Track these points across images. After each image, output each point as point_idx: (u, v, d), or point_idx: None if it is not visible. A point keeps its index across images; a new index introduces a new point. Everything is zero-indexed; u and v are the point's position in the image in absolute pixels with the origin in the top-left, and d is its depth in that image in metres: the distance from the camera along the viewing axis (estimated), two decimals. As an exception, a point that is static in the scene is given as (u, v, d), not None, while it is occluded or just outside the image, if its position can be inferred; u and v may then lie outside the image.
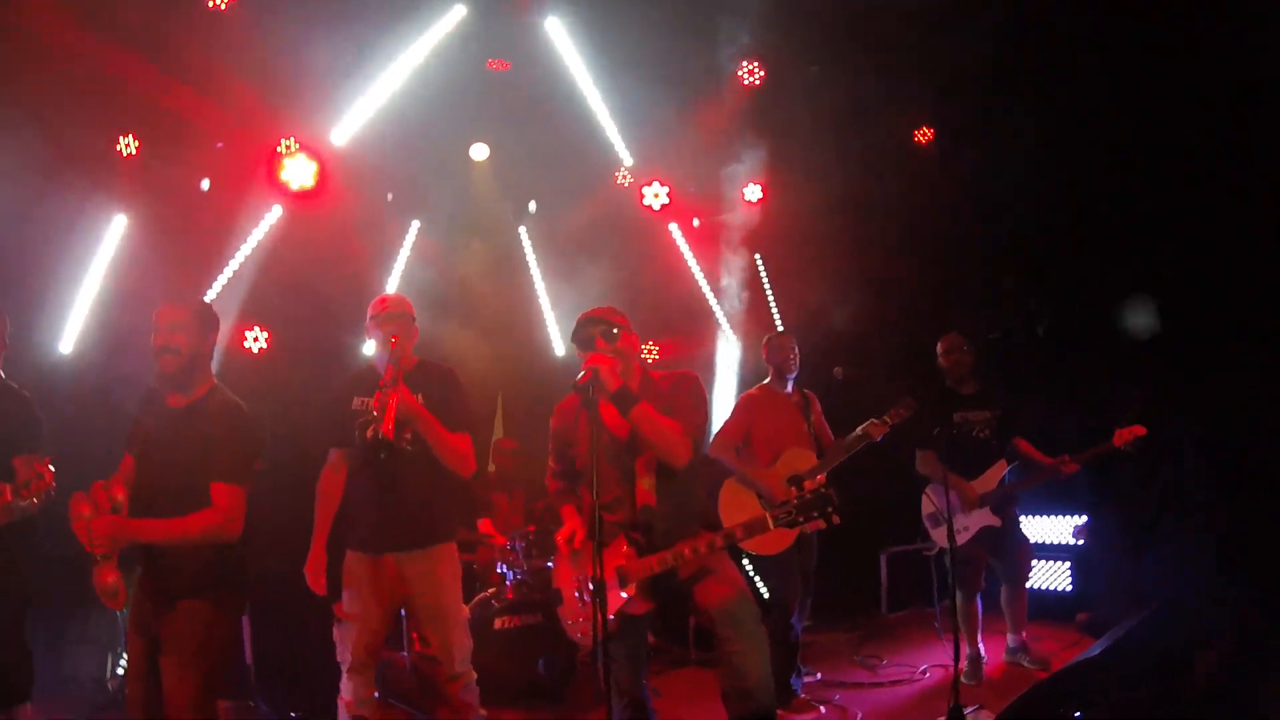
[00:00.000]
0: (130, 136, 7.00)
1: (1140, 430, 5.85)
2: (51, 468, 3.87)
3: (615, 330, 4.09)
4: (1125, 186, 7.58)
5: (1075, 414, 7.24)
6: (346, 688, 4.51)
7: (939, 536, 6.22)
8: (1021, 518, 6.61)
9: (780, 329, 9.10)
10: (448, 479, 4.56)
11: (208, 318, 4.13)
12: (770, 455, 5.96)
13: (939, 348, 6.54)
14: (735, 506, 5.81)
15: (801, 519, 3.87)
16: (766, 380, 6.27)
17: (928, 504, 6.27)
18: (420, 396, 4.44)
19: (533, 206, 9.13)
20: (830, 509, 3.82)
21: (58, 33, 6.24)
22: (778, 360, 6.21)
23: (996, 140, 8.24)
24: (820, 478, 5.66)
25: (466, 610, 4.76)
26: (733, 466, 5.87)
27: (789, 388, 6.21)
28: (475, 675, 4.63)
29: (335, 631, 4.57)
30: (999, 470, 6.27)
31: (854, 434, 5.90)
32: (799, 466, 5.87)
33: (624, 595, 4.02)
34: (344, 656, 4.51)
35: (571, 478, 4.42)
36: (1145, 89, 7.37)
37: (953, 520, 6.11)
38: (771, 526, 3.92)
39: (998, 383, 6.64)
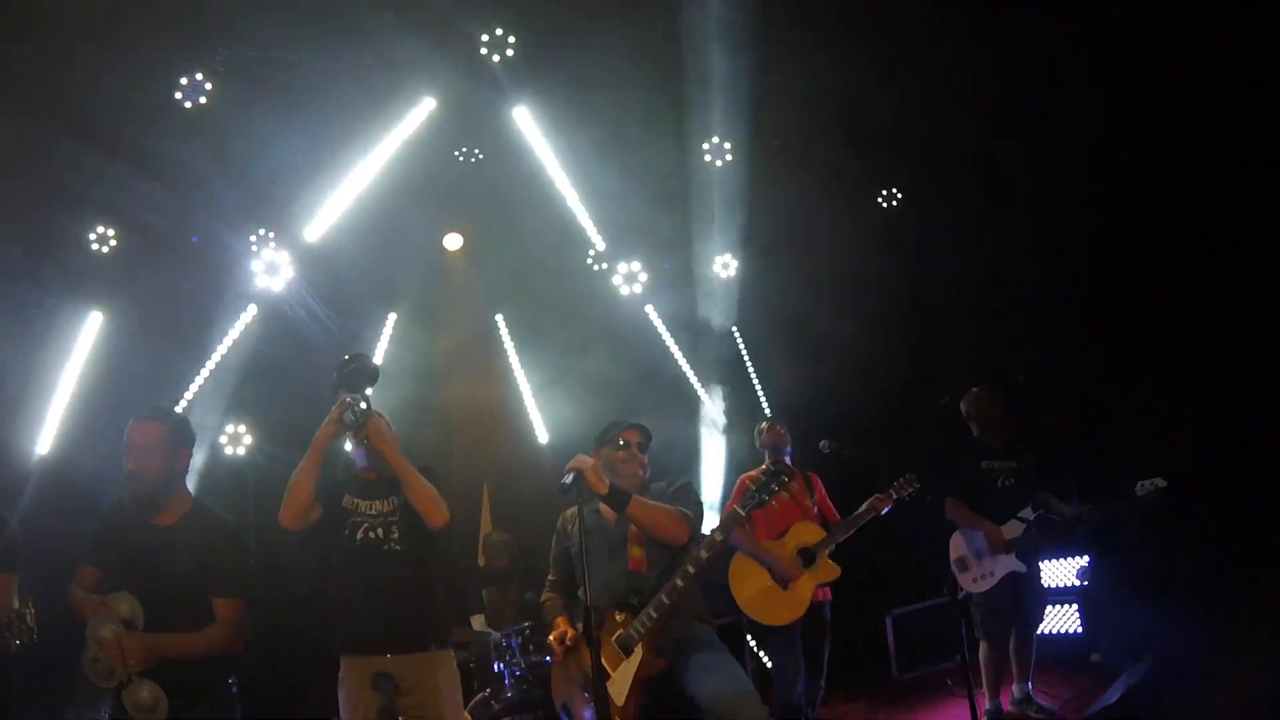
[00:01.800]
0: (107, 231, 6.98)
1: (1161, 482, 5.87)
2: (32, 608, 3.73)
3: (621, 441, 4.31)
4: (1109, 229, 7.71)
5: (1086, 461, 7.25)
6: None
7: (965, 581, 6.20)
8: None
9: (767, 411, 9.13)
10: (436, 577, 4.49)
11: (181, 434, 4.12)
12: (773, 534, 5.99)
13: (968, 399, 6.56)
14: (745, 580, 5.84)
15: (764, 496, 4.10)
16: (764, 464, 6.16)
17: (956, 548, 6.28)
18: (391, 500, 4.36)
19: (500, 320, 9.11)
20: (783, 475, 4.16)
21: (32, 128, 6.23)
22: (771, 442, 6.28)
23: (964, 199, 8.40)
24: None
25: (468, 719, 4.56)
26: (740, 542, 5.81)
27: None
28: None
29: None
30: (1019, 524, 6.22)
31: (859, 510, 6.02)
32: (807, 539, 5.92)
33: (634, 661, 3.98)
34: None
35: (568, 589, 4.48)
36: (1127, 139, 7.52)
37: (979, 566, 6.20)
38: (743, 514, 4.16)
39: (1024, 434, 6.63)
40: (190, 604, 3.93)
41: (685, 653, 4.01)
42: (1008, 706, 6.38)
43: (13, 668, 4.16)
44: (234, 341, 7.43)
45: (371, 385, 4.19)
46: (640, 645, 3.96)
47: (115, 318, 7.04)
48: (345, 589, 4.39)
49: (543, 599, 4.61)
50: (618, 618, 4.04)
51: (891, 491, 6.00)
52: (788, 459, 6.21)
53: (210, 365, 7.32)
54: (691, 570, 3.98)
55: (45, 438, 6.77)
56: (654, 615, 3.94)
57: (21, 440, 6.64)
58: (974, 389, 6.59)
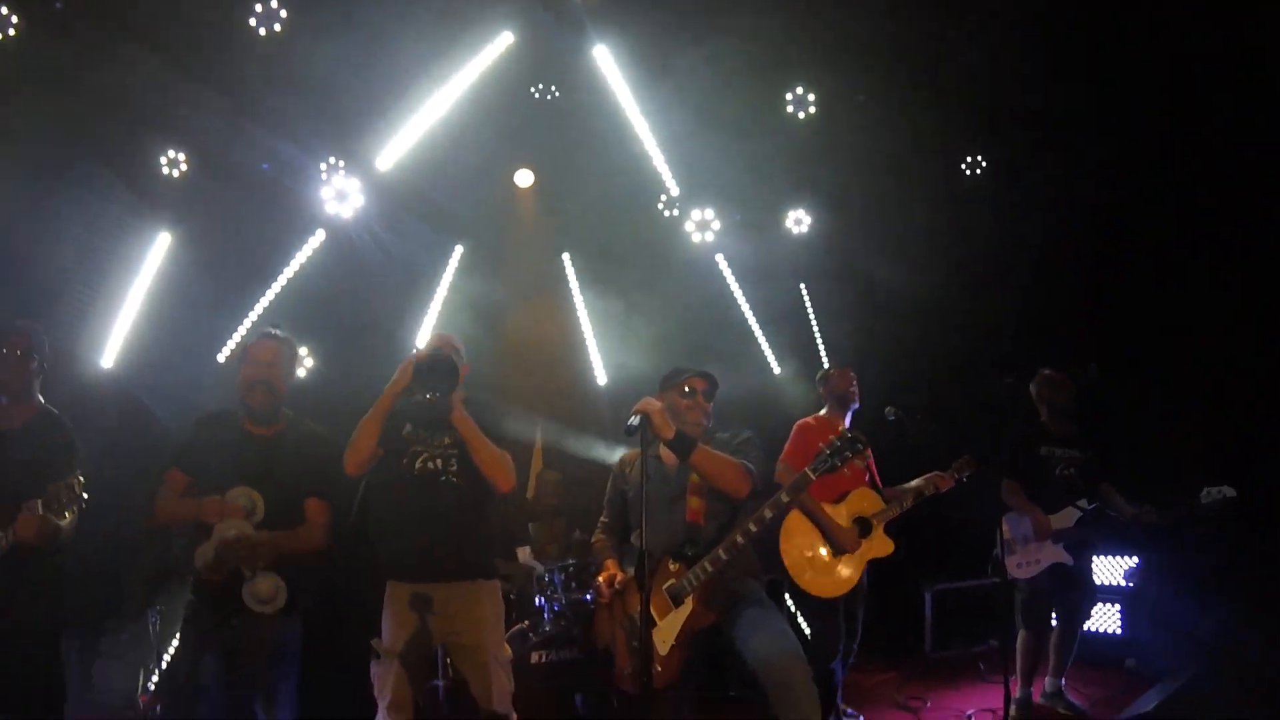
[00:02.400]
0: (179, 155, 7.07)
1: (1230, 491, 5.75)
2: (82, 478, 4.02)
3: (687, 388, 4.28)
4: (1189, 223, 7.36)
5: (1153, 462, 7.04)
6: None
7: (1010, 565, 6.12)
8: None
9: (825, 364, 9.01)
10: (489, 511, 4.54)
11: (294, 353, 4.57)
12: (826, 492, 5.79)
13: (1038, 380, 6.45)
14: (797, 540, 5.65)
15: (839, 462, 3.98)
16: (823, 411, 6.16)
17: (1005, 531, 6.18)
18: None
19: (566, 260, 9.06)
20: (859, 444, 3.99)
21: (109, 48, 6.32)
22: (840, 392, 6.12)
23: (1050, 173, 8.06)
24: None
25: (509, 652, 4.66)
26: (802, 502, 5.63)
27: (848, 421, 6.08)
28: (515, 717, 4.51)
29: (373, 667, 4.46)
30: (1074, 511, 6.14)
31: (916, 484, 5.90)
32: (865, 508, 5.79)
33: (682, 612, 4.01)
34: (382, 693, 4.38)
35: (619, 532, 4.52)
36: (1207, 126, 7.17)
37: (1025, 552, 6.16)
38: (812, 477, 4.01)
39: (1089, 425, 6.49)
40: (290, 507, 4.31)
41: (736, 607, 4.04)
42: (1038, 698, 6.33)
43: (67, 550, 4.38)
44: (300, 267, 7.53)
45: (452, 388, 4.24)
46: (691, 598, 4.00)
47: (184, 239, 7.16)
48: (398, 515, 4.45)
49: (593, 539, 4.66)
50: (671, 567, 4.07)
51: (953, 472, 5.88)
52: (849, 418, 6.09)
53: (275, 289, 7.45)
54: (753, 529, 4.00)
55: (110, 352, 6.94)
56: (709, 569, 3.97)
57: (88, 352, 6.83)
58: (1047, 372, 6.47)
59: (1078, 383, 6.42)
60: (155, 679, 6.38)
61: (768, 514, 4.00)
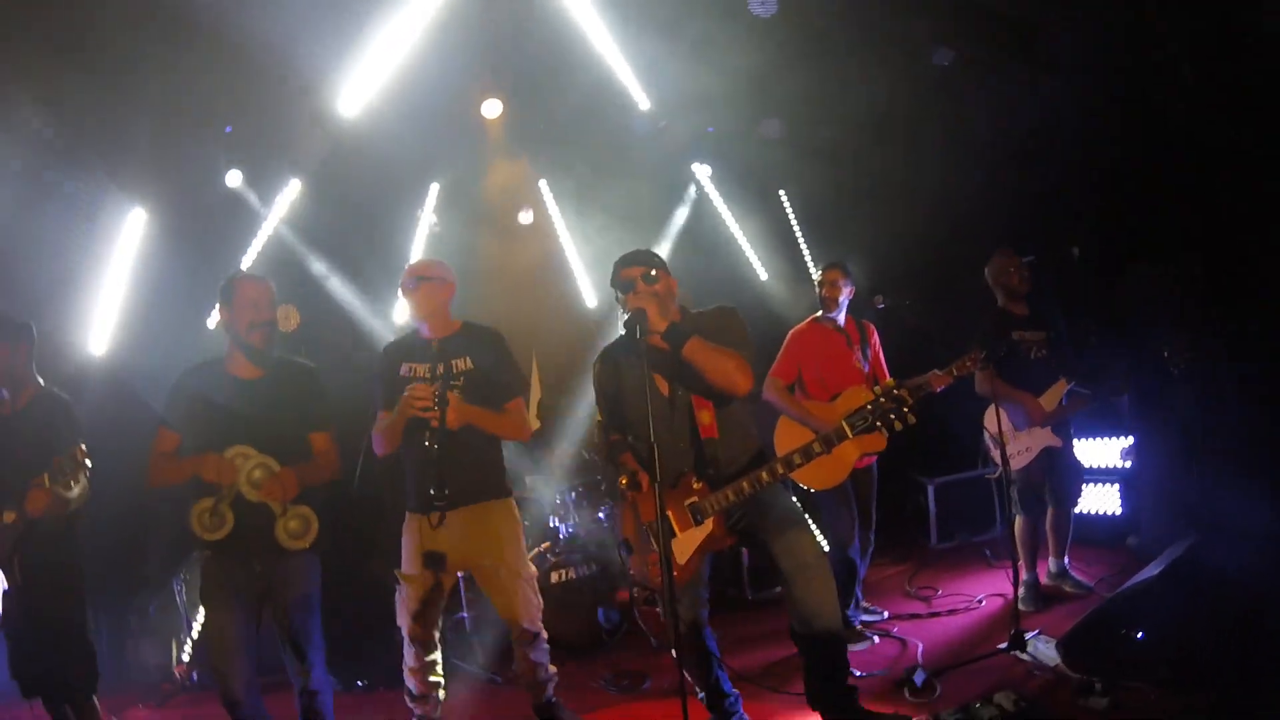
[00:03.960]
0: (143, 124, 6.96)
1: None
2: (84, 447, 4.04)
3: (654, 272, 4.10)
4: (1178, 115, 7.24)
5: (1122, 343, 7.08)
6: (409, 654, 4.55)
7: (999, 456, 6.06)
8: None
9: (813, 270, 9.05)
10: (496, 441, 4.65)
11: (275, 291, 4.49)
12: (823, 394, 5.85)
13: (994, 266, 6.37)
14: (790, 444, 5.38)
15: (879, 423, 3.87)
16: (817, 315, 6.11)
17: (990, 423, 6.14)
18: (467, 359, 4.52)
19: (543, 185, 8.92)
20: (905, 409, 3.82)
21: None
22: (825, 294, 6.05)
23: (1032, 58, 7.96)
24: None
25: (533, 568, 4.73)
26: (786, 407, 5.76)
27: (840, 321, 6.06)
28: (545, 634, 4.65)
29: (397, 597, 4.59)
30: (1058, 390, 6.18)
31: (915, 381, 5.81)
32: (856, 406, 5.74)
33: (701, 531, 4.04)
34: (404, 621, 4.54)
35: (623, 427, 4.39)
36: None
37: (1015, 440, 6.14)
38: (850, 435, 3.96)
39: (1050, 303, 6.48)
40: (292, 445, 4.33)
41: (756, 510, 4.05)
42: (1043, 578, 6.45)
43: (78, 526, 4.52)
44: (279, 220, 7.47)
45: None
46: (711, 520, 4.03)
47: (157, 212, 7.09)
48: (408, 449, 4.54)
49: (599, 440, 4.56)
50: (694, 484, 4.05)
51: (953, 369, 5.83)
52: (841, 317, 6.04)
53: (257, 246, 7.41)
54: (781, 470, 3.97)
55: (99, 338, 6.95)
56: (731, 498, 3.97)
57: (77, 340, 6.84)
58: (998, 254, 6.38)
59: (1061, 265, 6.43)
60: (188, 648, 6.53)
61: (797, 459, 3.98)
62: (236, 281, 4.39)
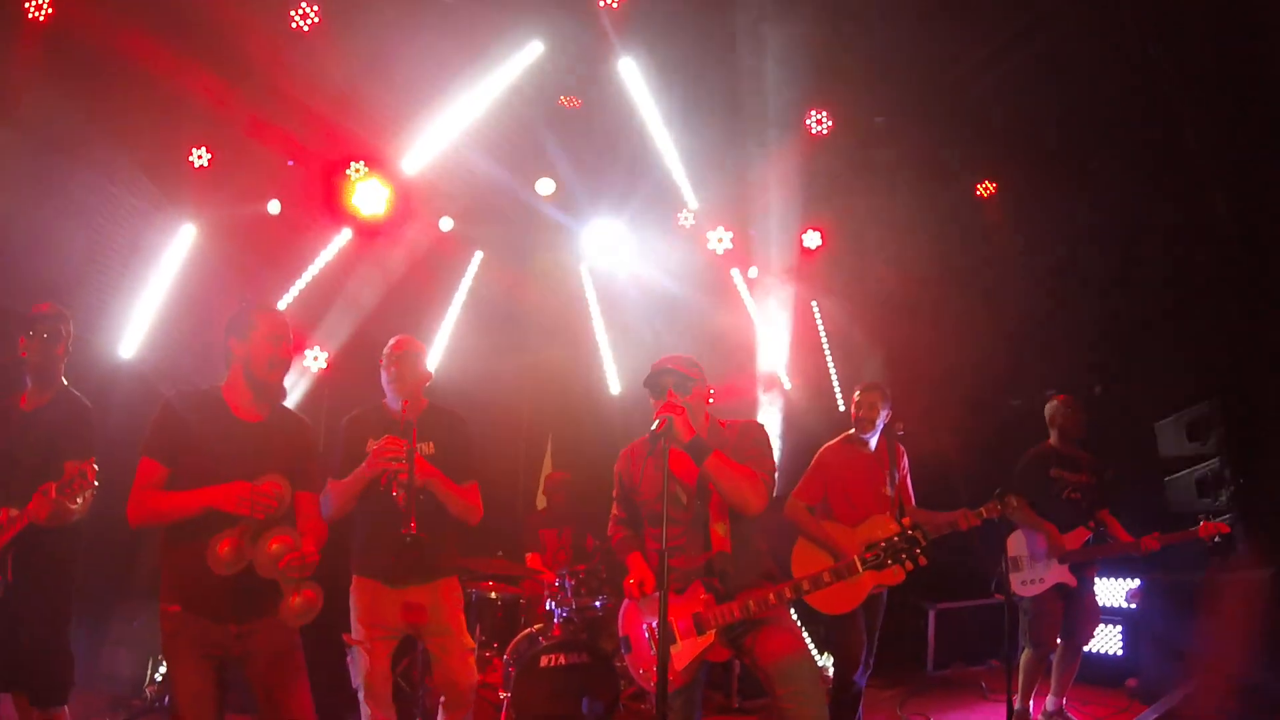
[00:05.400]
0: (203, 149, 7.14)
1: (1225, 528, 5.90)
2: (95, 467, 4.00)
3: (690, 382, 4.17)
4: (1205, 254, 7.41)
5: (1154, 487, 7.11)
6: (365, 712, 4.57)
7: (1015, 583, 6.18)
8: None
9: (837, 387, 9.14)
10: (454, 521, 4.68)
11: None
12: (850, 514, 5.76)
13: (1054, 407, 6.52)
14: (809, 566, 5.53)
15: (891, 561, 3.92)
16: (850, 432, 6.02)
17: (1011, 548, 6.23)
18: (430, 444, 4.61)
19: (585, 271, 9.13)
20: (918, 550, 3.89)
21: (136, 43, 6.37)
22: (862, 414, 5.93)
23: (1062, 197, 8.16)
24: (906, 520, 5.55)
25: (472, 642, 4.82)
26: (808, 529, 5.68)
27: (873, 444, 5.97)
28: (470, 712, 4.73)
29: (348, 658, 4.60)
30: (1082, 534, 6.21)
31: (943, 520, 5.78)
32: (879, 536, 5.60)
33: (702, 642, 4.03)
34: (358, 682, 4.58)
35: (635, 524, 4.48)
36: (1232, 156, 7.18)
37: (1030, 569, 6.20)
38: (860, 570, 4.00)
39: (1095, 451, 6.56)
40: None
41: (755, 628, 4.04)
42: (1036, 716, 6.39)
43: (80, 534, 4.51)
44: (325, 265, 7.61)
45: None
46: (713, 632, 4.02)
47: (207, 231, 7.26)
48: (367, 523, 4.62)
49: (610, 532, 4.60)
50: (701, 595, 4.06)
51: (982, 511, 5.70)
52: (873, 440, 5.95)
53: (300, 285, 7.53)
54: (789, 595, 3.98)
55: (130, 342, 7.05)
56: (736, 615, 3.98)
57: (108, 343, 6.94)
58: (1060, 397, 6.56)
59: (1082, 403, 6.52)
60: (163, 669, 6.44)
61: (805, 586, 4.01)
62: (257, 313, 3.93)
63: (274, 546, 3.64)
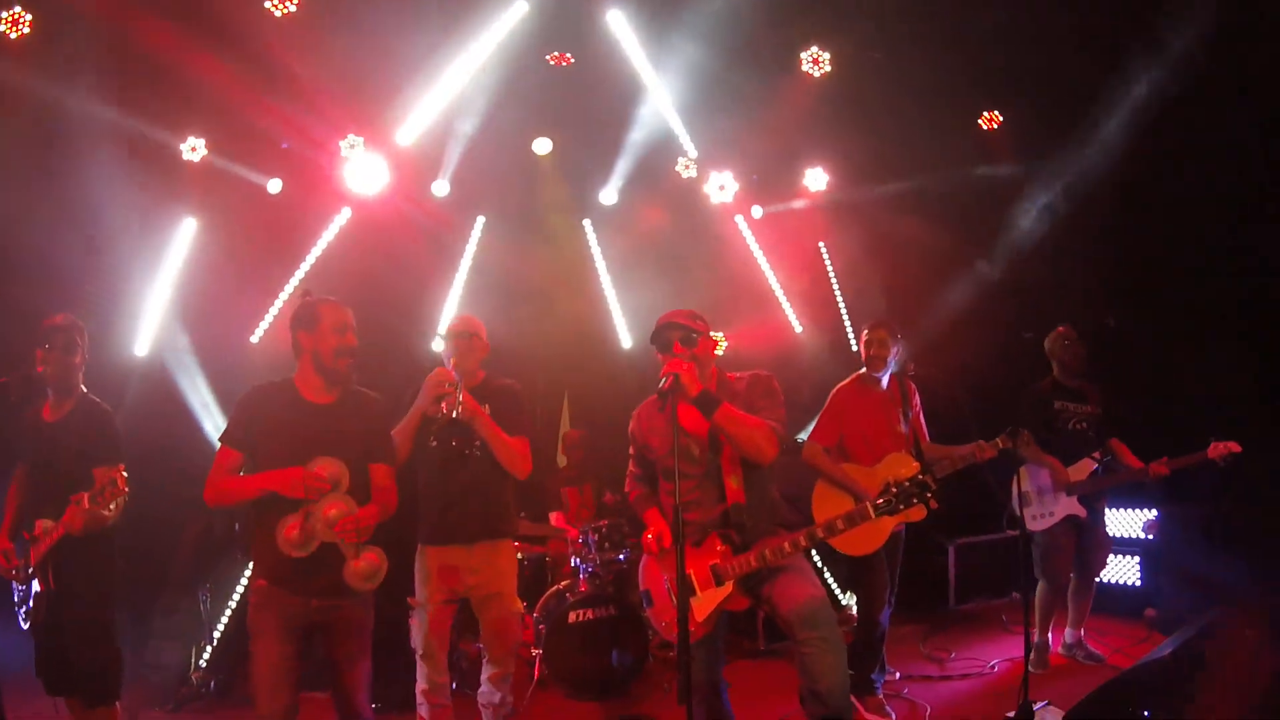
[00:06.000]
0: (201, 140, 7.17)
1: (1236, 447, 5.83)
2: (125, 473, 4.14)
3: (694, 335, 4.18)
4: (1221, 182, 7.27)
5: (1168, 414, 7.08)
6: (421, 675, 4.70)
7: (1026, 517, 6.13)
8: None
9: (849, 326, 9.14)
10: (508, 481, 4.81)
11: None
12: (867, 454, 5.75)
13: (1053, 340, 6.51)
14: (829, 508, 5.48)
15: (903, 506, 3.93)
16: (861, 371, 5.97)
17: (1020, 483, 6.12)
18: (487, 408, 4.65)
19: (588, 225, 9.15)
20: (929, 494, 3.90)
21: (129, 23, 6.38)
22: (872, 352, 5.88)
23: (1072, 125, 8.04)
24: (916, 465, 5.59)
25: (520, 605, 4.92)
26: (828, 471, 5.66)
27: (884, 382, 5.94)
28: (512, 672, 4.85)
29: (411, 621, 4.74)
30: (1087, 465, 6.23)
31: (960, 452, 5.75)
32: (900, 473, 5.57)
33: (721, 592, 4.09)
34: (417, 644, 4.71)
35: (651, 481, 4.55)
36: (1246, 82, 7.05)
37: (1039, 503, 6.24)
38: (874, 516, 3.99)
39: (1100, 380, 6.54)
40: (358, 474, 4.06)
41: (773, 574, 4.09)
42: (1057, 647, 6.48)
43: (114, 536, 4.61)
44: (328, 245, 7.65)
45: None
46: (731, 583, 4.07)
47: (209, 223, 7.31)
48: (427, 487, 4.74)
49: (627, 488, 4.71)
50: (718, 546, 4.11)
51: (998, 441, 5.64)
52: (885, 378, 5.90)
53: (304, 268, 7.59)
54: (803, 543, 4.01)
55: (143, 340, 7.13)
56: (753, 565, 4.02)
57: (122, 343, 7.03)
58: (1060, 329, 6.53)
59: (1096, 336, 6.49)
60: (207, 655, 6.64)
61: (820, 534, 4.05)
62: (319, 306, 4.14)
63: (330, 512, 3.90)
